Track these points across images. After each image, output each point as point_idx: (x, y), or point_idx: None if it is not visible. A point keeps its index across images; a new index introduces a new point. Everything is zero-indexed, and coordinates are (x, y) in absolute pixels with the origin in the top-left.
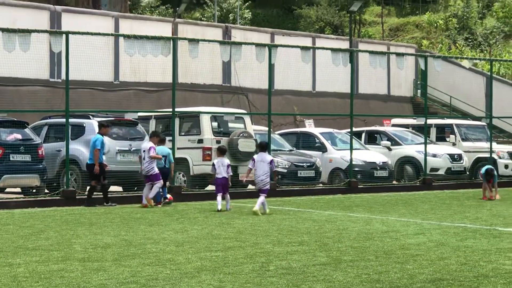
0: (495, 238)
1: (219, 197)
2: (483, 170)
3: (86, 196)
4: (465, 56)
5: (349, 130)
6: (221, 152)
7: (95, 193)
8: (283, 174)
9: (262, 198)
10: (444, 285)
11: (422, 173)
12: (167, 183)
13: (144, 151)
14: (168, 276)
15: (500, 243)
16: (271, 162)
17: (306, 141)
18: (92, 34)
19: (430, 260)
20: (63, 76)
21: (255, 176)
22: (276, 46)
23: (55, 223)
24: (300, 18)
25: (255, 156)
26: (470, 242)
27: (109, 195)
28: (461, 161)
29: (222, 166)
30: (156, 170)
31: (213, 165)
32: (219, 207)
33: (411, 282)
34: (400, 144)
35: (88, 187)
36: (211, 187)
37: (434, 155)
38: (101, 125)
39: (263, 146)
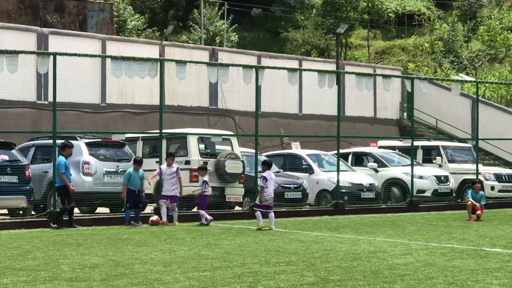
0: (482, 258)
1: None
2: (469, 193)
3: (56, 217)
4: (452, 79)
5: (335, 152)
6: (270, 165)
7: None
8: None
9: (272, 214)
10: None
11: (409, 194)
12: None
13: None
14: None
15: (487, 263)
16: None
17: (292, 163)
18: (79, 55)
19: (417, 280)
20: (50, 98)
21: (266, 194)
22: (263, 67)
23: (42, 244)
24: (287, 41)
25: (266, 173)
26: (457, 262)
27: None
28: (448, 183)
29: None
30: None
31: (265, 178)
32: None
33: None
34: (386, 166)
35: (58, 209)
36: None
37: (421, 177)
38: (64, 145)
39: (270, 164)
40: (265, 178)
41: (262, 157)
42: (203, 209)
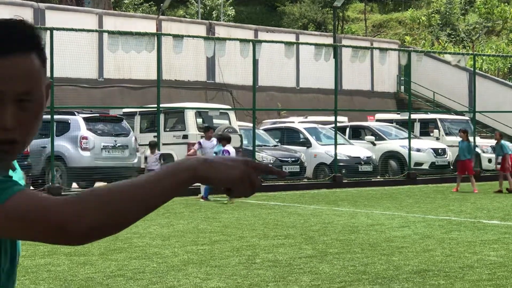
0: (480, 230)
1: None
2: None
3: None
4: (448, 51)
5: (333, 125)
6: (229, 140)
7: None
8: None
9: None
10: (430, 276)
11: (406, 167)
12: None
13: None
14: (155, 269)
15: (484, 235)
16: (238, 153)
17: (290, 137)
18: (76, 30)
19: (415, 252)
20: (47, 73)
21: None
22: (260, 41)
23: None
24: (284, 15)
25: (227, 148)
26: (455, 234)
27: None
28: (445, 156)
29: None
30: None
31: (228, 152)
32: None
33: (397, 273)
34: (384, 139)
35: None
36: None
37: (418, 150)
38: None
39: (228, 139)
40: (228, 152)
41: (260, 131)
42: None
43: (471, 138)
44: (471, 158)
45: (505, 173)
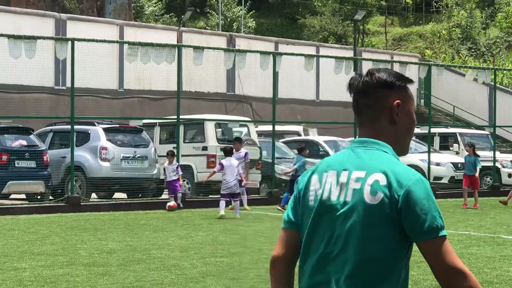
0: (499, 246)
1: (222, 202)
2: None
3: None
4: (469, 65)
5: (353, 138)
6: (227, 152)
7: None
8: (287, 182)
9: (238, 202)
10: None
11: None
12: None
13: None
14: (173, 281)
15: (504, 251)
16: (238, 165)
17: (309, 149)
18: (97, 41)
19: None
20: (68, 84)
21: (226, 182)
22: (281, 54)
23: (60, 229)
24: (304, 27)
25: (223, 161)
26: (474, 249)
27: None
28: None
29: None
30: None
31: (221, 165)
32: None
33: None
34: None
35: None
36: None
37: (438, 164)
38: None
39: (229, 151)
40: (221, 165)
41: (279, 143)
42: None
43: (490, 153)
44: (475, 173)
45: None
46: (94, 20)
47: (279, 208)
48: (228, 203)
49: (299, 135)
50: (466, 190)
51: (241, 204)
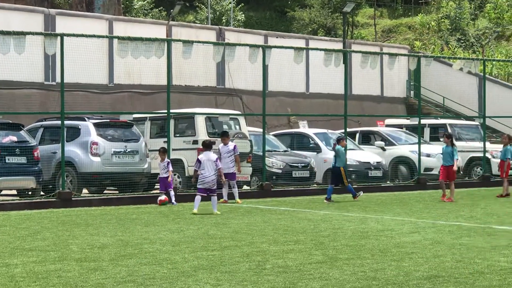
0: (490, 236)
1: (198, 198)
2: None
3: None
4: (458, 56)
5: (343, 130)
6: (206, 146)
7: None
8: (278, 175)
9: (215, 197)
10: (440, 281)
11: (416, 172)
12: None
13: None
14: (165, 275)
15: (494, 241)
16: (217, 160)
17: (300, 142)
18: (86, 36)
19: (425, 258)
20: (58, 79)
21: (203, 176)
22: (270, 47)
23: (51, 224)
24: (293, 20)
25: (200, 156)
26: (465, 240)
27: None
28: None
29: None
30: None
31: (198, 160)
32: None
33: (407, 279)
34: (394, 144)
35: None
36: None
37: (428, 155)
38: None
39: (208, 145)
40: (198, 161)
41: (270, 136)
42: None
43: (481, 144)
44: (453, 164)
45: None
46: (83, 15)
47: (326, 201)
48: (204, 198)
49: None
50: (444, 182)
51: (233, 197)
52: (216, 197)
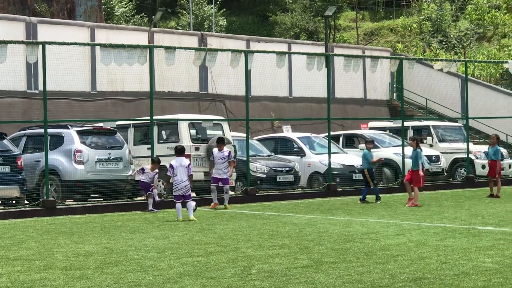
0: (475, 237)
1: (178, 205)
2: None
3: None
4: (440, 58)
5: (326, 134)
6: (178, 152)
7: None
8: (262, 179)
9: (190, 202)
10: (426, 283)
11: (400, 175)
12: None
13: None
14: (151, 282)
15: (479, 242)
16: (189, 165)
17: (284, 146)
18: (68, 44)
19: (410, 260)
20: (40, 87)
21: (176, 182)
22: (252, 52)
23: (36, 233)
24: (275, 24)
25: (172, 162)
26: (450, 241)
27: (87, 205)
28: (439, 162)
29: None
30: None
31: (171, 166)
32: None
33: (392, 281)
34: (377, 147)
35: None
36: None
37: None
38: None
39: (179, 151)
40: (171, 166)
41: (253, 141)
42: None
43: (464, 145)
44: (420, 167)
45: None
46: (65, 23)
47: (360, 202)
48: (184, 205)
49: None
50: (408, 185)
51: (222, 202)
52: (192, 202)
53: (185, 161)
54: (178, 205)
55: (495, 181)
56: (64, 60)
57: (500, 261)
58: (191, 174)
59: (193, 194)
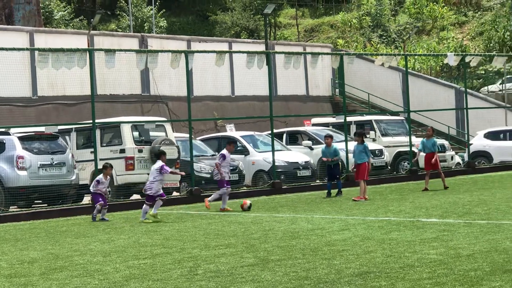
0: (419, 229)
1: (146, 207)
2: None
3: None
4: (381, 53)
5: (270, 132)
6: (155, 155)
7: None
8: (207, 179)
9: (159, 201)
10: (371, 277)
11: (345, 170)
12: None
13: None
14: (97, 286)
15: (423, 234)
16: (161, 168)
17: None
18: (6, 49)
19: (356, 255)
20: None
21: (146, 185)
22: (193, 52)
23: None
24: (216, 24)
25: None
26: (395, 234)
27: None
28: (382, 156)
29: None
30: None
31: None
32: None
33: (338, 277)
34: (321, 143)
35: None
36: (135, 196)
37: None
38: None
39: (156, 154)
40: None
41: (197, 141)
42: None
43: (406, 138)
44: (367, 160)
45: (436, 170)
46: (3, 28)
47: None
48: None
49: None
50: (361, 181)
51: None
52: (160, 200)
53: (157, 165)
54: (146, 207)
55: (436, 173)
56: (3, 66)
57: (444, 252)
58: (170, 171)
59: (138, 197)
